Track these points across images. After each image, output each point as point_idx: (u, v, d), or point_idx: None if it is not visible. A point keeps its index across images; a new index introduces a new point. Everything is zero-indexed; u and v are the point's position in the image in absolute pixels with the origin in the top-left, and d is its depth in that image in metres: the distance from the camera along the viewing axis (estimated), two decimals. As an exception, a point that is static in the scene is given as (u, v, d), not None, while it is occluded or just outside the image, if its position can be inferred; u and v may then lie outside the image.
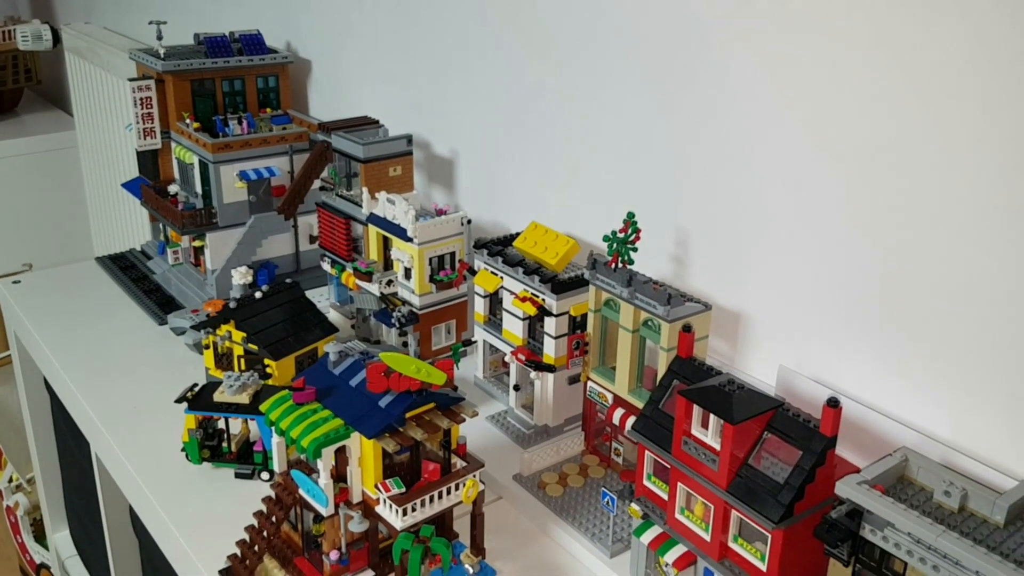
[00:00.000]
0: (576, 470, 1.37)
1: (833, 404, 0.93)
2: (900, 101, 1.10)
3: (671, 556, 1.06)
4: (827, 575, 0.96)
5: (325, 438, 1.09)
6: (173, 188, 2.05)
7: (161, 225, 2.15)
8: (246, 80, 2.07)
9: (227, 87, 2.05)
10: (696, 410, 1.00)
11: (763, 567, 0.97)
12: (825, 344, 1.25)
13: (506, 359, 1.50)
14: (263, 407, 1.18)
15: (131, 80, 1.96)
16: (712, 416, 0.98)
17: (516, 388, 1.51)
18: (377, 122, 1.79)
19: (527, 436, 1.46)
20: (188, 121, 1.97)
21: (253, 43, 2.09)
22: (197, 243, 1.99)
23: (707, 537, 1.02)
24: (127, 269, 2.13)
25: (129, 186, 2.15)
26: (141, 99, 1.97)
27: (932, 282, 1.12)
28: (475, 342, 1.60)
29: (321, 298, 1.90)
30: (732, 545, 1.00)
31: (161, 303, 1.95)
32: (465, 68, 1.79)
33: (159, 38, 2.00)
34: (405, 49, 1.95)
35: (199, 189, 1.97)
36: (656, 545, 1.08)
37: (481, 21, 1.71)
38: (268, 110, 2.09)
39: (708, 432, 1.00)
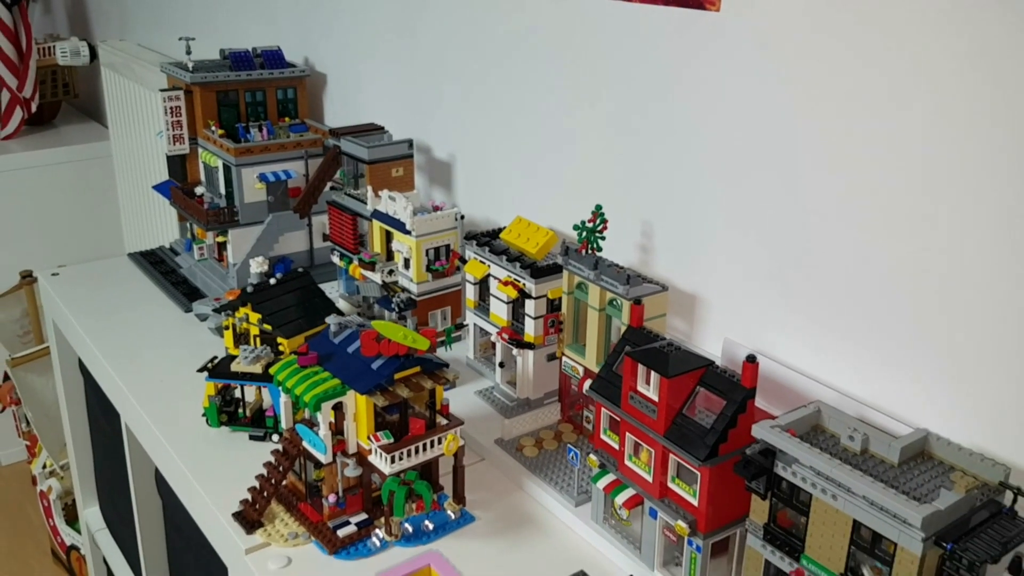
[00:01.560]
0: (551, 436, 1.53)
1: (751, 360, 1.09)
2: (835, 96, 1.27)
3: (622, 498, 1.22)
4: (750, 509, 1.11)
5: (324, 394, 1.26)
6: (199, 189, 2.24)
7: (188, 224, 2.34)
8: (267, 92, 2.26)
9: (249, 98, 2.25)
10: (640, 368, 1.17)
11: (695, 502, 1.13)
12: (764, 319, 1.41)
13: (492, 339, 1.67)
14: (273, 370, 1.35)
15: (162, 91, 2.16)
16: (652, 372, 1.14)
17: (501, 365, 1.67)
18: (382, 128, 1.97)
19: (510, 408, 1.62)
20: (213, 128, 2.16)
21: (274, 58, 2.29)
22: (220, 239, 2.17)
23: (650, 479, 1.18)
24: (156, 264, 2.32)
25: (160, 188, 2.34)
26: (171, 108, 2.17)
27: (847, 265, 1.28)
28: (467, 325, 1.76)
29: (332, 290, 2.08)
30: (671, 485, 1.16)
31: (187, 293, 2.14)
32: (461, 82, 1.97)
33: (188, 53, 2.20)
34: (409, 64, 2.14)
35: (223, 190, 2.16)
36: (610, 489, 1.24)
37: (474, 43, 1.90)
38: (287, 119, 2.28)
39: (650, 387, 1.16)
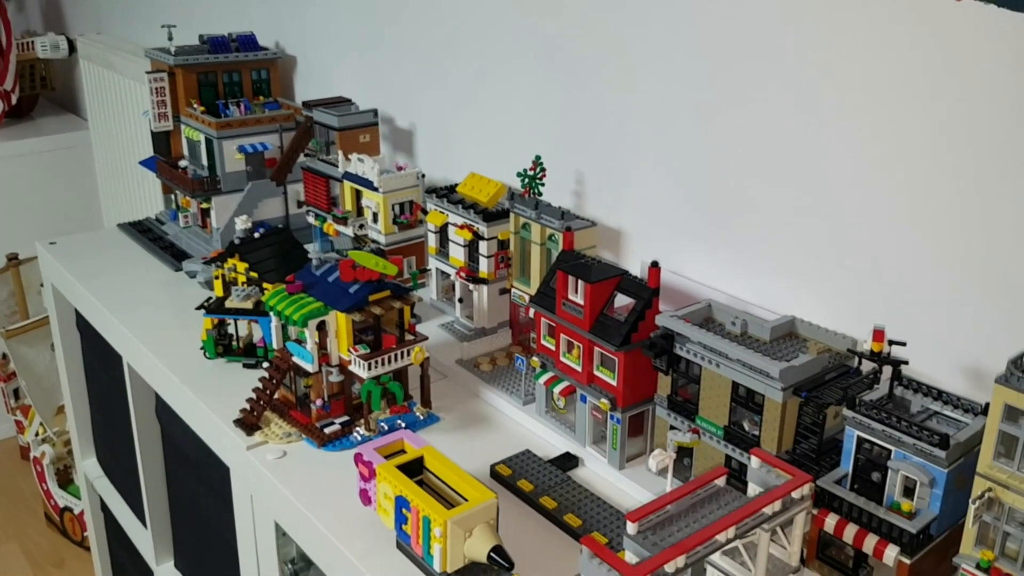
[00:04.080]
0: (504, 355, 1.79)
1: (655, 265, 1.36)
2: (732, 48, 1.54)
3: (559, 388, 1.48)
4: (657, 387, 1.39)
5: (310, 313, 1.51)
6: (183, 163, 2.47)
7: (173, 196, 2.56)
8: (243, 73, 2.49)
9: (227, 78, 2.48)
10: (570, 279, 1.43)
11: (615, 383, 1.40)
12: (674, 245, 1.68)
13: (452, 279, 1.92)
14: (264, 297, 1.60)
15: (148, 72, 2.38)
16: (579, 280, 1.41)
17: (460, 300, 1.93)
18: (350, 100, 2.22)
19: (469, 336, 1.88)
20: (195, 106, 2.39)
21: (248, 42, 2.52)
22: (204, 206, 2.40)
23: (580, 369, 1.44)
24: (145, 232, 2.55)
25: (146, 163, 2.57)
26: (156, 88, 2.39)
27: (734, 199, 1.55)
28: (429, 270, 2.02)
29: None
30: (596, 372, 1.43)
31: (175, 256, 2.37)
32: (418, 59, 2.23)
33: (170, 39, 2.43)
34: (371, 45, 2.39)
35: (205, 162, 2.39)
36: (549, 383, 1.51)
37: (429, 24, 2.16)
38: (261, 97, 2.51)
39: (577, 294, 1.42)
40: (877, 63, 1.34)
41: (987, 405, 1.06)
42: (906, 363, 1.18)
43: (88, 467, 2.63)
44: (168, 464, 2.13)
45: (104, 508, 2.61)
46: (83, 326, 2.38)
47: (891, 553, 1.10)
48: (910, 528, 1.08)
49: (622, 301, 1.43)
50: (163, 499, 2.18)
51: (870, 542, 1.11)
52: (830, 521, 1.15)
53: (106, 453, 2.55)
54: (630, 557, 0.97)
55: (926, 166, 1.32)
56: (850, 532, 1.13)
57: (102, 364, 2.32)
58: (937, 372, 1.31)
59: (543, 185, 1.72)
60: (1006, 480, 1.01)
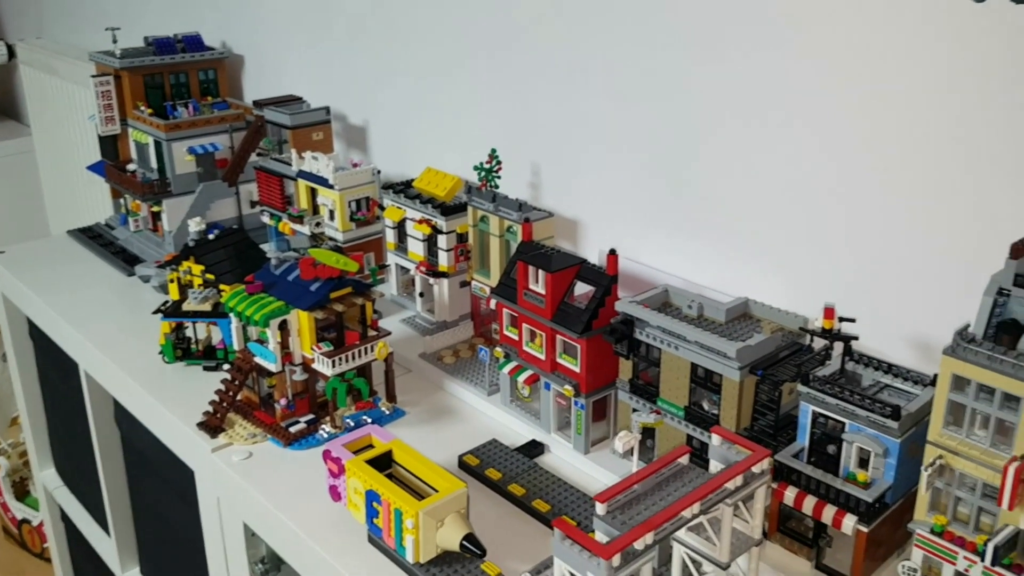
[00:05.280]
0: (466, 347, 1.81)
1: (612, 252, 1.39)
2: (673, 41, 1.57)
3: (523, 377, 1.51)
4: (619, 372, 1.41)
5: (272, 312, 1.51)
6: (131, 166, 2.44)
7: (122, 200, 2.53)
8: (189, 73, 2.47)
9: (174, 80, 2.45)
10: (530, 269, 1.45)
11: (578, 369, 1.42)
12: (629, 233, 1.71)
13: (411, 274, 1.93)
14: (224, 298, 1.59)
15: (93, 76, 2.34)
16: (539, 270, 1.43)
17: (421, 295, 1.94)
18: (301, 99, 2.21)
19: (430, 330, 1.89)
20: (143, 108, 2.36)
21: (194, 43, 2.49)
22: (156, 209, 2.38)
23: (543, 357, 1.47)
24: (95, 238, 2.50)
25: (94, 168, 2.52)
26: (102, 92, 2.36)
27: (687, 189, 1.59)
28: (388, 266, 2.03)
29: (263, 250, 2.30)
30: (559, 360, 1.45)
31: (127, 261, 2.34)
32: (370, 54, 2.22)
33: (114, 42, 2.39)
34: (322, 41, 2.38)
35: (154, 165, 2.36)
36: (513, 372, 1.53)
37: (380, 18, 2.16)
38: (209, 98, 2.49)
39: (538, 283, 1.45)
40: (827, 50, 1.38)
41: (935, 376, 1.10)
42: (856, 339, 1.22)
43: (47, 477, 2.59)
44: (130, 470, 2.11)
45: (65, 518, 2.57)
46: (36, 335, 2.34)
47: (849, 522, 1.14)
48: (866, 497, 1.13)
49: (581, 289, 1.46)
50: (126, 506, 2.16)
51: (828, 512, 1.16)
52: (789, 494, 1.19)
53: (65, 462, 2.51)
54: (600, 536, 0.99)
55: (871, 151, 1.36)
56: (809, 504, 1.17)
57: (58, 373, 2.28)
58: (886, 347, 1.36)
59: (499, 178, 1.74)
60: (956, 447, 1.05)
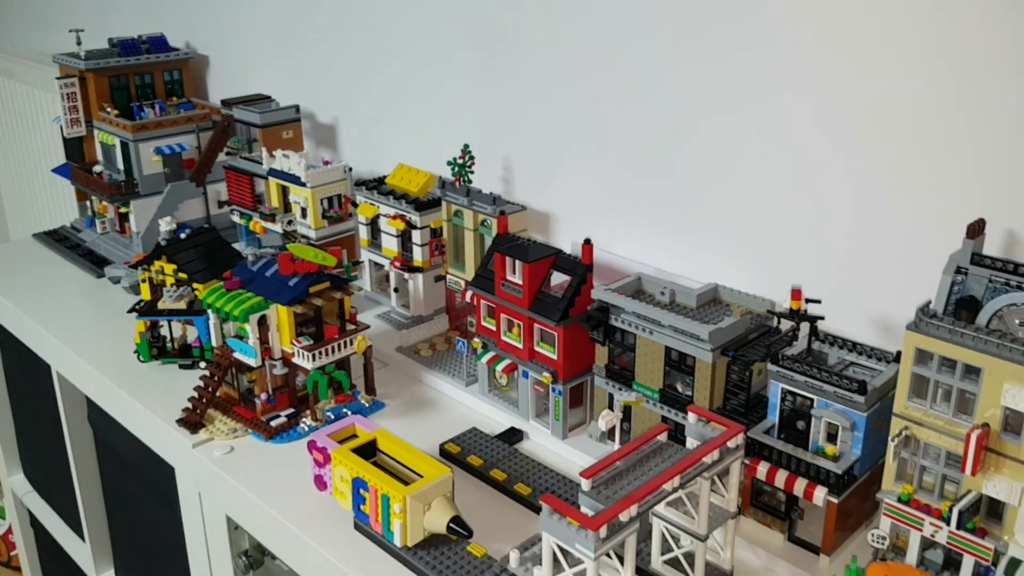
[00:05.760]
0: (442, 340, 1.84)
1: (587, 242, 1.43)
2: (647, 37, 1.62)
3: (501, 366, 1.54)
4: (595, 358, 1.46)
5: (251, 307, 1.53)
6: (97, 168, 2.43)
7: (88, 202, 2.51)
8: (154, 74, 2.46)
9: (139, 81, 2.44)
10: (507, 260, 1.49)
11: (555, 356, 1.46)
12: (601, 225, 1.76)
13: (386, 269, 1.96)
14: (202, 295, 1.60)
15: (58, 78, 2.33)
16: (516, 261, 1.46)
17: (396, 290, 1.96)
18: (269, 97, 2.22)
19: (406, 324, 1.91)
20: (109, 110, 2.34)
21: (158, 44, 2.49)
22: (123, 210, 2.37)
23: (521, 346, 1.50)
24: (61, 241, 2.48)
25: (59, 170, 2.50)
26: (67, 94, 2.34)
27: (657, 182, 1.64)
28: (362, 262, 2.05)
29: (233, 248, 2.31)
30: (537, 348, 1.49)
31: (95, 263, 2.32)
32: (339, 53, 2.24)
33: (79, 43, 2.38)
34: (288, 40, 2.39)
35: (121, 166, 2.35)
36: (491, 362, 1.56)
37: (347, 14, 2.17)
38: (174, 99, 2.48)
39: (516, 274, 1.48)
40: (792, 49, 1.44)
41: (898, 353, 1.16)
42: (822, 318, 1.28)
43: (15, 483, 2.56)
44: (103, 471, 2.10)
45: (34, 524, 2.55)
46: (4, 338, 2.32)
47: (820, 494, 1.19)
48: (836, 469, 1.18)
49: (556, 280, 1.50)
50: (100, 507, 2.15)
51: (800, 485, 1.21)
52: (762, 469, 1.24)
53: (35, 467, 2.49)
54: (585, 511, 1.03)
55: (832, 143, 1.42)
56: (781, 477, 1.22)
57: (27, 376, 2.26)
58: (851, 328, 1.42)
59: (472, 173, 1.77)
60: (921, 418, 1.11)
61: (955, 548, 1.08)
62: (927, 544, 1.12)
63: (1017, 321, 1.09)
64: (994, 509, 1.11)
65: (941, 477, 1.13)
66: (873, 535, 1.15)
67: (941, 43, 1.28)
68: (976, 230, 1.15)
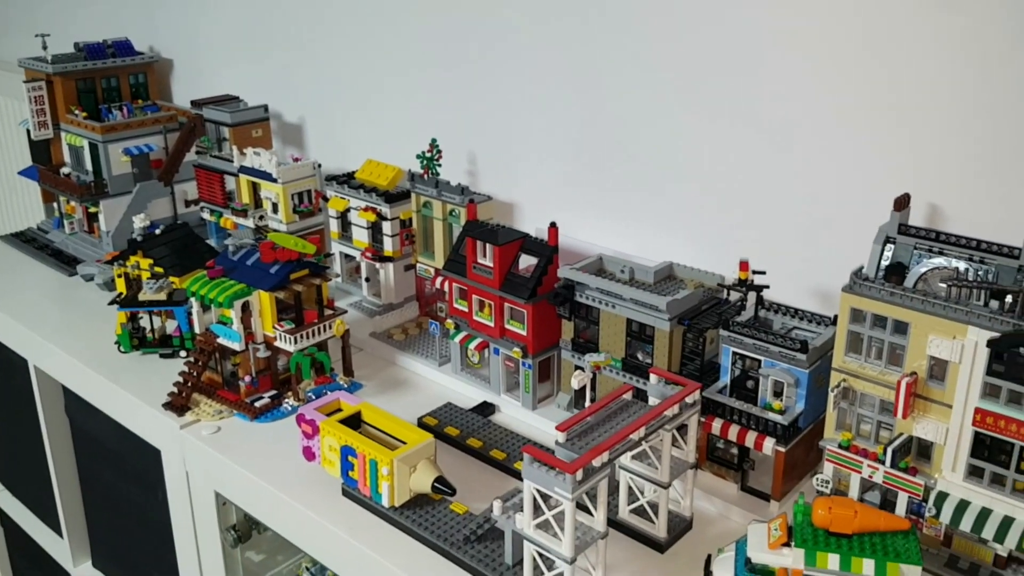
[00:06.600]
0: (414, 325, 1.94)
1: (552, 225, 1.55)
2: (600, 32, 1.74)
3: (473, 344, 1.64)
4: (561, 334, 1.57)
5: (235, 294, 1.61)
6: (65, 170, 2.47)
7: (55, 204, 2.55)
8: (120, 77, 2.52)
9: (105, 84, 2.50)
10: (478, 244, 1.59)
11: (525, 333, 1.57)
12: (564, 212, 1.87)
13: (357, 260, 2.04)
14: (185, 284, 1.68)
15: (25, 82, 2.37)
16: (487, 244, 1.57)
17: (367, 280, 2.05)
18: (238, 98, 2.30)
19: (379, 312, 2.00)
20: (77, 112, 2.39)
21: (124, 48, 2.55)
22: (93, 210, 2.41)
23: (492, 324, 1.61)
24: (29, 242, 2.52)
25: (26, 173, 2.54)
26: (35, 97, 2.39)
27: (613, 172, 1.76)
28: (333, 255, 2.13)
29: (204, 245, 2.37)
30: (507, 326, 1.60)
31: (65, 262, 2.37)
32: (303, 53, 2.33)
33: (44, 48, 2.42)
34: (252, 42, 2.47)
35: (89, 167, 2.40)
36: (464, 341, 1.66)
37: (312, 14, 2.26)
38: (140, 101, 2.54)
39: (486, 257, 1.59)
40: (736, 26, 1.57)
41: (836, 316, 1.29)
42: (767, 287, 1.41)
43: (-14, 486, 2.58)
44: (80, 462, 2.14)
45: (4, 521, 2.57)
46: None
47: (768, 444, 1.32)
48: (783, 421, 1.31)
49: (524, 263, 1.61)
50: (77, 499, 2.19)
51: (751, 437, 1.33)
52: (716, 425, 1.36)
53: (6, 464, 2.51)
54: (562, 459, 1.14)
55: (769, 129, 1.56)
56: (733, 431, 1.35)
57: (2, 372, 2.29)
58: (793, 296, 1.55)
59: (440, 166, 1.87)
60: (856, 370, 1.24)
61: (891, 487, 1.21)
62: (867, 486, 1.25)
63: (940, 284, 1.23)
64: (924, 451, 1.24)
65: (877, 424, 1.26)
66: (818, 479, 1.28)
67: (867, 27, 1.42)
68: (902, 203, 1.29)
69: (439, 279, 1.82)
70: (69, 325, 2.01)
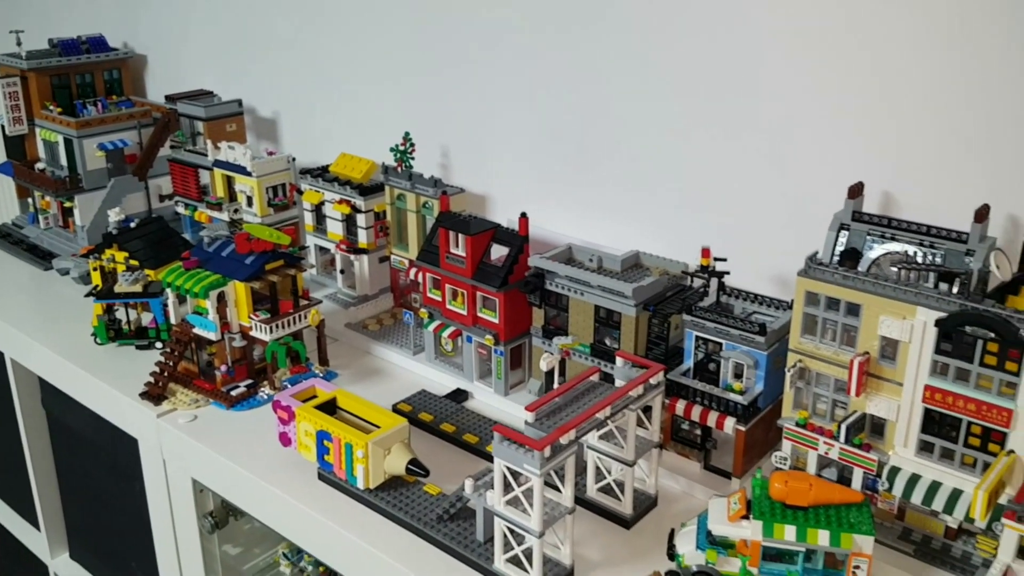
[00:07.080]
0: (388, 316, 1.97)
1: (523, 215, 1.59)
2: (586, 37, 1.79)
3: (447, 332, 1.68)
4: (532, 321, 1.61)
5: (211, 284, 1.64)
6: (40, 165, 2.48)
7: (30, 199, 2.56)
8: (95, 73, 2.53)
9: (80, 80, 2.51)
10: (451, 234, 1.63)
11: (497, 320, 1.61)
12: (534, 204, 1.92)
13: (332, 252, 2.08)
14: (161, 275, 1.70)
15: (0, 79, 2.38)
16: (459, 234, 1.61)
17: (342, 272, 2.09)
18: (212, 93, 2.32)
19: (353, 303, 2.04)
20: (52, 108, 2.40)
21: (98, 44, 2.56)
22: (68, 205, 2.42)
23: (465, 313, 1.65)
24: (4, 237, 2.53)
25: (0, 168, 2.54)
26: (9, 93, 2.40)
27: (582, 165, 1.81)
28: (307, 247, 2.16)
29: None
30: (480, 314, 1.64)
31: (41, 256, 2.38)
32: (277, 48, 2.36)
33: (19, 44, 2.43)
34: (225, 38, 2.49)
35: (64, 162, 2.41)
36: (437, 330, 1.70)
37: (284, 12, 2.29)
38: (114, 96, 2.55)
39: (459, 247, 1.63)
40: (694, 18, 1.62)
41: (792, 301, 1.35)
42: (728, 273, 1.46)
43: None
44: (57, 453, 2.16)
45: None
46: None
47: (730, 423, 1.37)
48: (743, 401, 1.36)
49: (496, 253, 1.65)
50: (55, 491, 2.21)
51: (712, 417, 1.38)
52: (680, 405, 1.41)
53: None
54: (531, 437, 1.18)
55: (727, 122, 1.61)
56: (696, 411, 1.40)
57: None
58: (753, 283, 1.60)
59: (413, 159, 1.91)
60: (812, 351, 1.30)
61: (846, 463, 1.27)
62: (823, 463, 1.31)
63: (892, 267, 1.29)
64: (877, 428, 1.30)
65: (832, 403, 1.32)
66: (776, 456, 1.33)
67: (822, 19, 1.48)
68: (856, 191, 1.34)
69: (413, 270, 1.85)
70: (45, 318, 2.03)
